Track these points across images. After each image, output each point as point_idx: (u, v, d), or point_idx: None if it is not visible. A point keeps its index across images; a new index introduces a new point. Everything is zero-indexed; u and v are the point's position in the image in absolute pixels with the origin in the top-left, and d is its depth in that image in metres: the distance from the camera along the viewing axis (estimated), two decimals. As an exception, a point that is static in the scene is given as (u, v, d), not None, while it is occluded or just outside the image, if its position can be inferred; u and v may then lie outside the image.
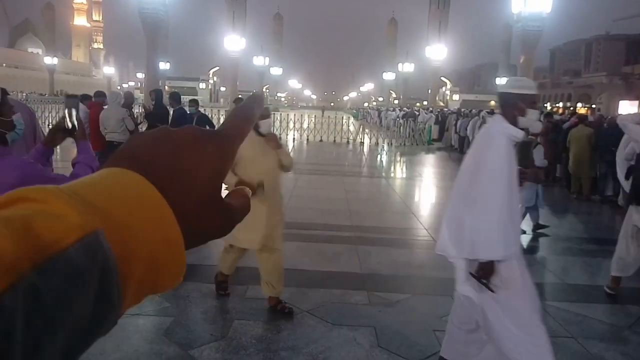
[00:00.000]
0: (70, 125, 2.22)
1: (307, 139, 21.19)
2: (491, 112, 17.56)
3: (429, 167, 15.75)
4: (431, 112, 28.19)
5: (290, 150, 14.69)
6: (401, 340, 3.67)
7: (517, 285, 2.73)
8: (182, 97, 9.33)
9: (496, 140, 2.70)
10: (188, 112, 8.86)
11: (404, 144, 21.60)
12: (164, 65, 40.47)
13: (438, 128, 23.41)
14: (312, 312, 4.04)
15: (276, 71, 71.51)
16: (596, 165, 10.16)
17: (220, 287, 4.33)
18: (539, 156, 6.80)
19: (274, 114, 27.62)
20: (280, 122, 22.37)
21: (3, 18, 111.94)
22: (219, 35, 48.41)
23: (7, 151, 2.20)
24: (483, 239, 2.66)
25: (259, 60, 58.40)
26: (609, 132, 9.74)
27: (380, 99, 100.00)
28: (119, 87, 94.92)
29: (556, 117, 15.84)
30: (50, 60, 72.13)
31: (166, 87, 42.74)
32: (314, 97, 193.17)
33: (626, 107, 45.03)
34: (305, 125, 22.49)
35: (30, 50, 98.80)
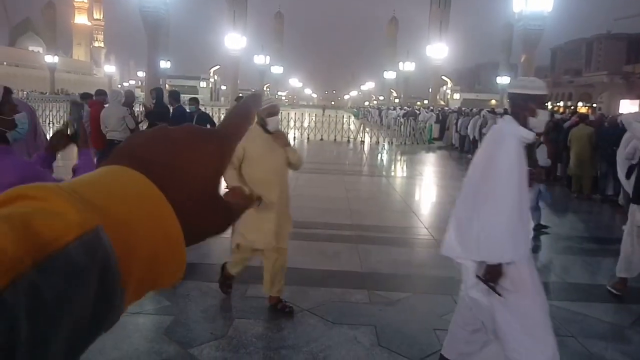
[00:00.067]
0: (73, 132, 2.23)
1: (308, 138, 21.19)
2: (492, 111, 17.55)
3: (430, 166, 15.75)
4: (432, 111, 28.18)
5: (290, 149, 14.63)
6: (401, 339, 3.67)
7: (526, 287, 2.70)
8: (183, 95, 9.33)
9: (506, 142, 2.67)
10: (188, 111, 8.85)
11: (405, 143, 21.60)
12: (164, 64, 40.48)
13: (439, 127, 23.40)
14: (312, 311, 4.04)
15: (277, 70, 71.47)
16: (597, 165, 10.15)
17: (225, 285, 4.25)
18: (542, 156, 6.79)
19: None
20: (281, 120, 22.32)
21: (4, 17, 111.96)
22: (220, 34, 48.44)
23: (9, 150, 2.20)
24: (491, 241, 2.63)
25: (260, 59, 58.37)
26: (609, 132, 9.74)
27: (381, 97, 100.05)
28: (119, 86, 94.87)
29: (557, 116, 15.84)
30: (51, 59, 72.17)
31: (167, 85, 42.72)
32: (314, 95, 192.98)
33: (627, 107, 44.97)
34: (305, 124, 22.49)
35: (31, 48, 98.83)
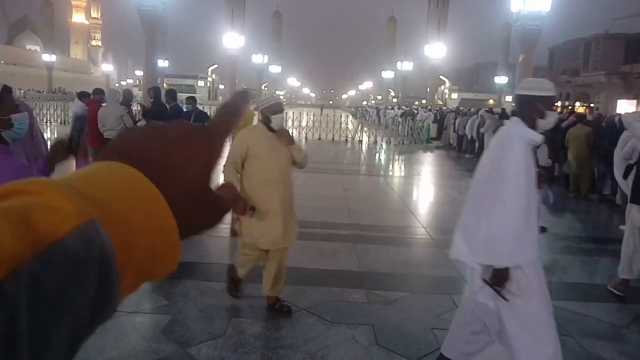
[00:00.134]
0: (73, 144, 2.22)
1: (306, 137, 21.17)
2: (490, 111, 17.56)
3: (427, 166, 15.76)
4: (430, 110, 28.20)
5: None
6: (399, 339, 3.67)
7: (533, 292, 2.68)
8: (181, 94, 9.31)
9: (514, 144, 2.64)
10: (185, 110, 8.83)
11: (403, 143, 21.61)
12: (162, 63, 40.36)
13: (436, 126, 23.42)
14: (310, 310, 4.04)
15: (275, 69, 71.38)
16: (594, 165, 10.17)
17: (234, 289, 4.09)
18: (542, 156, 6.80)
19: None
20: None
21: (1, 15, 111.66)
22: (218, 33, 48.34)
23: (7, 151, 2.19)
24: (498, 245, 2.60)
25: (258, 58, 58.33)
26: (607, 131, 9.76)
27: (379, 97, 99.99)
28: (117, 85, 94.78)
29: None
30: (48, 58, 71.92)
31: (165, 84, 42.66)
32: (312, 95, 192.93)
33: (624, 106, 45.05)
34: (303, 124, 22.47)
35: (28, 47, 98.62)
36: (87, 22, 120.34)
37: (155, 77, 30.29)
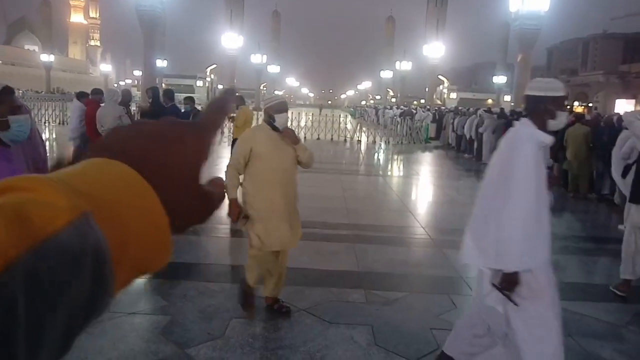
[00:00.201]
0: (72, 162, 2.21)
1: (305, 137, 21.16)
2: (488, 111, 17.57)
3: (426, 166, 15.77)
4: (428, 110, 28.21)
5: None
6: (398, 339, 3.67)
7: (543, 295, 2.65)
8: (181, 94, 9.29)
9: (524, 146, 2.60)
10: (183, 110, 8.83)
11: (401, 142, 21.61)
12: (161, 63, 40.28)
13: (435, 126, 23.43)
14: (309, 311, 4.04)
15: (274, 69, 71.25)
16: (593, 164, 10.18)
17: (247, 304, 3.92)
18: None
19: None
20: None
21: (0, 15, 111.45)
22: (217, 32, 48.27)
23: (8, 153, 2.18)
24: (508, 248, 2.57)
25: (257, 58, 58.23)
26: (605, 131, 9.77)
27: (378, 97, 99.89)
28: (115, 85, 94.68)
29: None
30: (46, 58, 71.76)
31: (163, 84, 42.60)
32: (311, 95, 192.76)
33: (623, 106, 45.06)
34: (302, 124, 22.47)
35: (26, 47, 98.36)
36: (85, 22, 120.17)
37: (154, 77, 30.23)
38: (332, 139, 20.83)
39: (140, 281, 4.52)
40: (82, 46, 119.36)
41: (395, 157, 17.82)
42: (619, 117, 10.50)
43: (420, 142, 21.91)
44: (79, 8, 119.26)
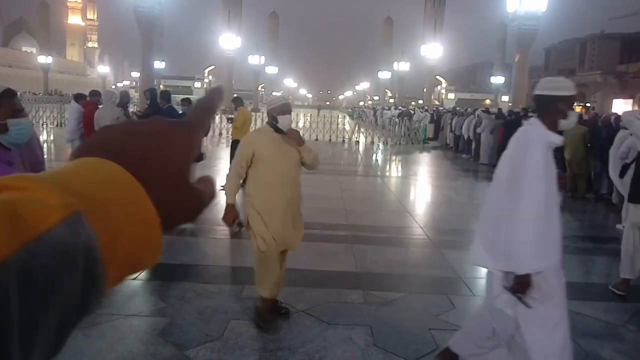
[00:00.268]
0: None
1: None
2: (486, 111, 17.59)
3: (425, 166, 15.78)
4: (426, 110, 28.22)
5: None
6: (397, 339, 3.67)
7: (554, 296, 2.62)
8: (179, 96, 9.29)
9: (533, 147, 2.58)
10: (180, 112, 8.82)
11: (400, 143, 21.63)
12: (159, 64, 40.24)
13: (433, 127, 23.43)
14: (308, 312, 4.04)
15: (272, 70, 71.20)
16: (591, 164, 10.20)
17: (263, 319, 3.76)
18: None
19: (262, 112, 27.57)
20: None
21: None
22: (215, 34, 48.23)
23: (8, 156, 2.18)
24: (519, 251, 2.54)
25: (255, 59, 58.17)
26: (603, 131, 9.79)
27: (376, 97, 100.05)
28: (113, 87, 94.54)
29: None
30: (44, 59, 71.62)
31: (161, 86, 42.57)
32: (309, 96, 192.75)
33: (620, 106, 45.17)
34: (300, 124, 22.48)
35: (24, 49, 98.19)
36: (83, 24, 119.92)
37: (152, 78, 30.20)
38: (330, 139, 20.84)
39: (138, 283, 4.52)
40: (80, 48, 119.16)
41: (394, 157, 17.83)
42: (617, 116, 10.52)
43: (419, 142, 21.92)
44: (77, 10, 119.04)
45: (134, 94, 37.78)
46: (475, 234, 2.87)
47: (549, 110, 2.66)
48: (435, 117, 24.43)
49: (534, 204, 2.53)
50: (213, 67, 76.08)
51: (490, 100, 60.22)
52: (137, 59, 32.53)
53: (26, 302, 0.27)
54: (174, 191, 0.38)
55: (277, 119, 3.59)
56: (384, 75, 75.42)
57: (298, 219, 3.77)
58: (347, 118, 42.97)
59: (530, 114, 14.87)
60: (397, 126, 23.44)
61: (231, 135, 9.75)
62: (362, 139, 22.74)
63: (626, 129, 5.88)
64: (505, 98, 52.04)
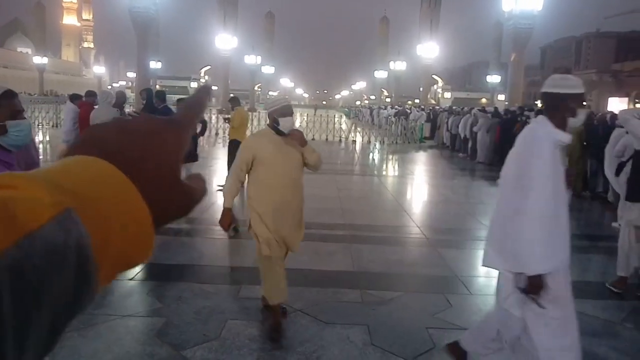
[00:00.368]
0: None
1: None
2: (483, 110, 17.62)
3: (421, 165, 15.79)
4: (423, 110, 28.25)
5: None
6: (394, 338, 3.67)
7: (561, 295, 2.60)
8: (175, 96, 9.27)
9: (541, 146, 2.54)
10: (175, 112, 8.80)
11: (396, 142, 21.65)
12: (155, 65, 40.21)
13: (430, 126, 23.47)
14: (305, 311, 4.04)
15: (268, 70, 71.11)
16: (587, 162, 10.23)
17: (280, 328, 3.64)
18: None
19: (259, 112, 27.44)
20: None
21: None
22: (211, 34, 48.13)
23: (8, 157, 2.17)
24: (527, 251, 2.51)
25: (251, 59, 58.11)
26: (599, 129, 9.81)
27: (372, 97, 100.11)
28: (109, 87, 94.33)
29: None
30: (39, 60, 71.34)
31: (157, 86, 42.50)
32: (306, 95, 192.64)
33: (616, 104, 45.33)
34: (297, 124, 22.45)
35: (19, 49, 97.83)
36: (78, 24, 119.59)
37: (148, 78, 30.19)
38: (327, 139, 20.84)
39: (135, 283, 4.51)
40: (76, 48, 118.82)
41: (390, 156, 17.84)
42: (612, 115, 10.56)
43: (415, 141, 21.95)
44: (72, 10, 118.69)
45: (130, 94, 37.71)
46: (486, 235, 2.84)
47: (558, 108, 2.62)
48: (431, 116, 24.47)
49: (541, 202, 2.49)
50: (209, 67, 76.05)
51: (487, 99, 60.27)
52: (132, 59, 32.44)
53: (18, 300, 0.26)
54: (166, 190, 0.38)
55: (278, 121, 3.51)
56: (381, 74, 75.47)
57: (299, 220, 3.72)
58: (344, 117, 42.98)
59: (526, 113, 14.92)
60: (393, 125, 23.48)
61: (228, 135, 9.74)
62: (358, 139, 22.75)
63: (622, 127, 5.90)
64: (501, 97, 52.16)
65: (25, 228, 0.27)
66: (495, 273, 5.30)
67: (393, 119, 24.22)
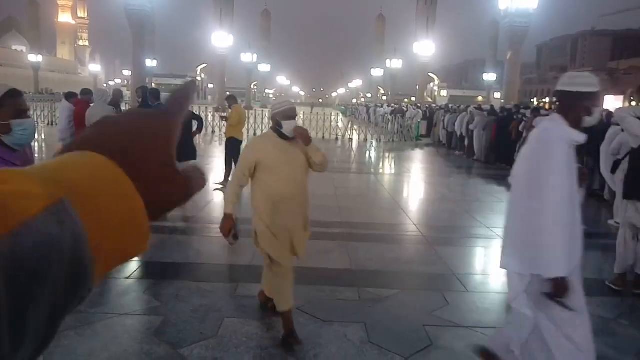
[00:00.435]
0: None
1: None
2: (479, 108, 17.64)
3: (418, 163, 15.81)
4: (419, 108, 28.29)
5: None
6: (391, 336, 3.68)
7: (575, 296, 2.57)
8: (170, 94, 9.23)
9: (555, 147, 2.49)
10: None
11: (393, 140, 21.67)
12: (150, 63, 40.14)
13: (426, 124, 23.51)
14: (302, 309, 4.04)
15: (264, 68, 71.08)
16: (583, 159, 10.27)
17: (293, 337, 3.52)
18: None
19: (255, 110, 27.36)
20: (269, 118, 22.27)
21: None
22: (207, 31, 48.03)
23: (13, 157, 2.17)
24: (546, 253, 2.47)
25: (247, 57, 58.04)
26: (595, 127, 9.84)
27: (369, 95, 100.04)
28: (105, 85, 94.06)
29: (543, 112, 15.95)
30: (34, 58, 71.06)
31: (153, 84, 42.41)
32: (302, 93, 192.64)
33: (612, 102, 45.47)
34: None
35: (14, 47, 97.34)
36: (73, 22, 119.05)
37: (144, 77, 30.10)
38: (323, 137, 20.83)
39: (132, 282, 4.51)
40: (71, 46, 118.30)
41: (387, 154, 17.85)
42: (608, 113, 10.59)
43: (411, 139, 21.97)
44: (67, 8, 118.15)
45: (126, 92, 37.59)
46: (503, 238, 2.81)
47: (574, 107, 2.56)
48: (427, 114, 24.50)
49: (559, 204, 2.45)
50: (205, 65, 75.94)
51: (483, 97, 60.42)
52: (128, 57, 32.36)
53: (13, 289, 0.26)
54: (157, 177, 0.38)
55: (282, 124, 3.41)
56: (377, 72, 75.47)
57: (305, 222, 3.66)
58: (340, 115, 42.97)
59: (522, 111, 14.95)
60: (390, 123, 23.48)
61: (225, 133, 9.73)
62: (355, 137, 22.75)
63: (617, 125, 5.92)
64: (497, 95, 52.28)
65: (19, 219, 0.28)
66: (491, 271, 5.32)
67: (389, 117, 24.22)
